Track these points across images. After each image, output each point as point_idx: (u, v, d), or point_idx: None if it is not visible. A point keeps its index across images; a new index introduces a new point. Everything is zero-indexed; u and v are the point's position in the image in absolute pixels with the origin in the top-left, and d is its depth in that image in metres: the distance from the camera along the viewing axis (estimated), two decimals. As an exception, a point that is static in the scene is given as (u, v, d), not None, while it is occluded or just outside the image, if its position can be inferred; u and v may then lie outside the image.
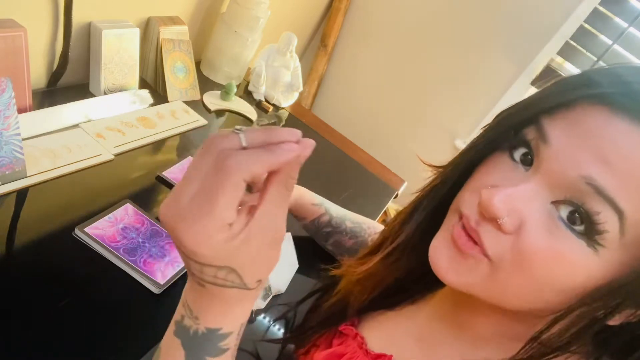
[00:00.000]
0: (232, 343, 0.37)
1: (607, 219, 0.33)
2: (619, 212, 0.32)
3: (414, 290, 0.52)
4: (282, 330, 0.70)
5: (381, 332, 0.50)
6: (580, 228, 0.34)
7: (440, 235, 0.41)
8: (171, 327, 0.37)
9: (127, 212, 0.72)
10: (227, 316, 0.36)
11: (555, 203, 0.35)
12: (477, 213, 0.37)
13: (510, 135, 0.39)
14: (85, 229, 0.65)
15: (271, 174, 0.33)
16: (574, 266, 0.34)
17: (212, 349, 0.36)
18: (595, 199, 0.33)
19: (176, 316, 0.37)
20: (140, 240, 0.68)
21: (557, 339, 0.36)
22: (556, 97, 0.36)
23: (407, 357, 0.45)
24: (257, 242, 0.32)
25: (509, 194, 0.35)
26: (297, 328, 0.57)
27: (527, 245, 0.35)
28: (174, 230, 0.31)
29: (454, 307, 0.47)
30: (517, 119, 0.39)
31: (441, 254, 0.39)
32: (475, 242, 0.37)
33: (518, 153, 0.38)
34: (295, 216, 0.80)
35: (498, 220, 0.35)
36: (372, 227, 0.81)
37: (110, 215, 0.69)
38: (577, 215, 0.34)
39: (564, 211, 0.34)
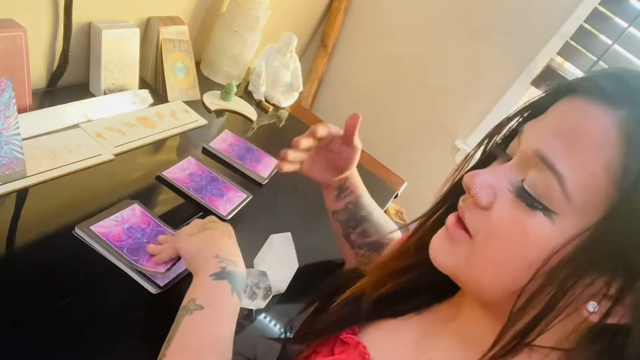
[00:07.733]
0: None
1: (550, 185, 0.36)
2: (559, 176, 0.35)
3: (422, 301, 0.52)
4: (282, 332, 0.70)
5: (384, 341, 0.49)
6: (533, 199, 0.37)
7: (441, 228, 0.46)
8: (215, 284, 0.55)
9: (134, 213, 0.72)
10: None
11: (523, 180, 0.38)
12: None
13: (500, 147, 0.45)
14: (91, 227, 0.65)
15: None
16: (534, 236, 0.36)
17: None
18: (541, 167, 0.37)
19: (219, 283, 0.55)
20: (144, 240, 0.68)
21: (536, 320, 0.36)
22: (538, 102, 0.42)
23: None
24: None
25: (485, 174, 0.41)
26: (300, 330, 0.56)
27: (494, 217, 0.39)
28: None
29: (458, 319, 0.46)
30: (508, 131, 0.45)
31: (434, 240, 0.45)
32: (462, 227, 0.42)
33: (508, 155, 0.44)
34: (338, 190, 0.76)
35: (471, 191, 0.40)
36: (389, 229, 0.77)
37: (117, 214, 0.70)
38: (528, 186, 0.37)
39: (524, 185, 0.38)
